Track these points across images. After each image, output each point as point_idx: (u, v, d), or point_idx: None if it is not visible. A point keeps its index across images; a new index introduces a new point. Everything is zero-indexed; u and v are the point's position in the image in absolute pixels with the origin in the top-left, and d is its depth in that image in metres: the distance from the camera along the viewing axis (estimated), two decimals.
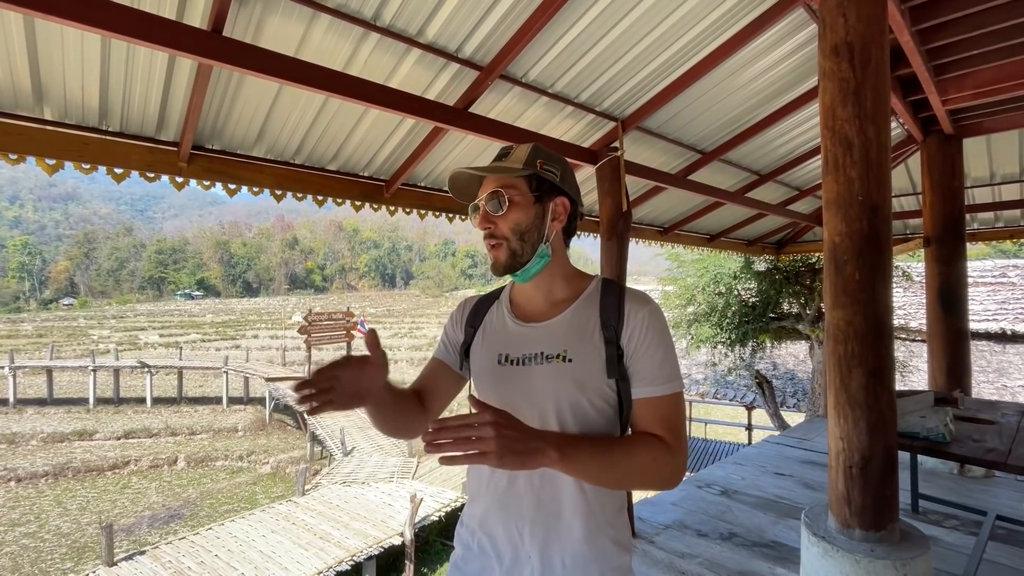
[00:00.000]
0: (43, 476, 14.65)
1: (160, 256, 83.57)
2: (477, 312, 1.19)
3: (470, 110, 2.52)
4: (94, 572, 7.58)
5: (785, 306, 8.57)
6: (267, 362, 26.26)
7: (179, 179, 2.43)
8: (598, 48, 2.50)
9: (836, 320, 2.02)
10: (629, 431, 1.04)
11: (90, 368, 22.64)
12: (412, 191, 3.25)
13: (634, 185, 4.11)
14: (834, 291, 2.02)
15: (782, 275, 8.26)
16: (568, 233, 1.10)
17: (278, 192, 2.74)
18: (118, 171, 2.28)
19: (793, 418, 11.45)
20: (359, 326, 19.76)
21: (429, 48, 2.21)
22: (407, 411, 1.07)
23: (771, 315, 8.48)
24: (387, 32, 2.08)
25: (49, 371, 23.49)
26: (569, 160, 3.06)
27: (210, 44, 1.71)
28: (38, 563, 10.21)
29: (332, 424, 15.73)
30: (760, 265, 8.47)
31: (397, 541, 9.04)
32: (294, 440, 18.58)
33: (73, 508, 12.94)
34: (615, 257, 3.10)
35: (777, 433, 6.77)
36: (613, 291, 1.06)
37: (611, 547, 1.00)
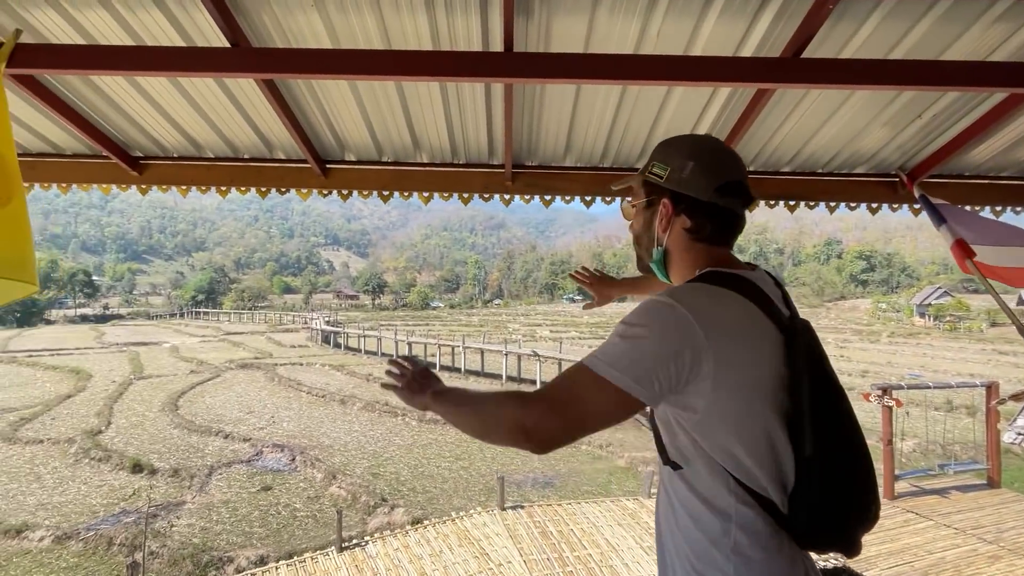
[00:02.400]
0: None
1: (552, 267, 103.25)
2: None
3: (803, 56, 1.86)
4: (491, 511, 9.83)
5: None
6: None
7: (507, 196, 2.76)
8: None
9: None
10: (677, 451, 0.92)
11: (504, 352, 29.98)
12: None
13: None
14: None
15: None
16: (697, 231, 1.00)
17: (587, 198, 2.76)
18: (465, 195, 2.78)
19: None
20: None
21: None
22: None
23: None
24: None
25: (482, 352, 32.42)
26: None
27: (502, 63, 1.83)
28: (466, 491, 14.20)
29: None
30: None
31: None
32: (646, 440, 19.29)
33: (488, 457, 17.33)
34: None
35: None
36: None
37: None
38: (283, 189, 2.73)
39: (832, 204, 2.69)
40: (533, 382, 28.12)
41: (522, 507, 10.32)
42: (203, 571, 10.13)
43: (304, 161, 2.64)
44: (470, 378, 29.90)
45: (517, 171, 2.68)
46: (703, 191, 0.97)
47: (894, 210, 2.71)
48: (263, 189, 2.74)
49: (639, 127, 2.43)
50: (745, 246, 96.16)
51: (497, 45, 1.97)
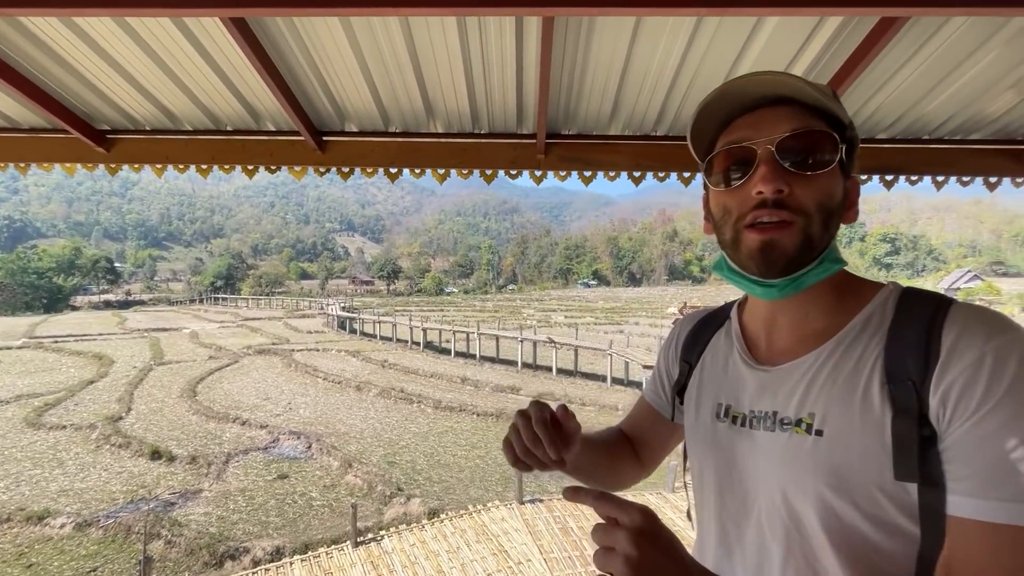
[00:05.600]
0: (489, 415, 20.06)
1: (567, 251, 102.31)
2: (696, 339, 0.85)
3: None
4: (509, 504, 9.54)
5: None
6: (645, 349, 27.81)
7: (538, 172, 2.31)
8: None
9: None
10: None
11: (519, 339, 29.61)
12: None
13: None
14: None
15: None
16: None
17: (636, 174, 2.30)
18: (488, 172, 2.33)
19: None
20: None
21: None
22: (611, 467, 0.94)
23: None
24: None
25: (497, 338, 32.11)
26: None
27: None
28: (483, 481, 13.97)
29: None
30: None
31: None
32: None
33: None
34: None
35: None
36: (920, 312, 0.57)
37: None
38: (273, 166, 2.31)
39: (940, 179, 2.18)
40: (549, 368, 27.82)
41: (541, 500, 10.02)
42: (219, 561, 10.06)
43: (297, 133, 2.22)
44: (484, 364, 29.70)
45: (551, 142, 2.23)
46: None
47: (1017, 185, 2.20)
48: (250, 167, 2.33)
49: (704, 84, 1.95)
50: None
51: None
